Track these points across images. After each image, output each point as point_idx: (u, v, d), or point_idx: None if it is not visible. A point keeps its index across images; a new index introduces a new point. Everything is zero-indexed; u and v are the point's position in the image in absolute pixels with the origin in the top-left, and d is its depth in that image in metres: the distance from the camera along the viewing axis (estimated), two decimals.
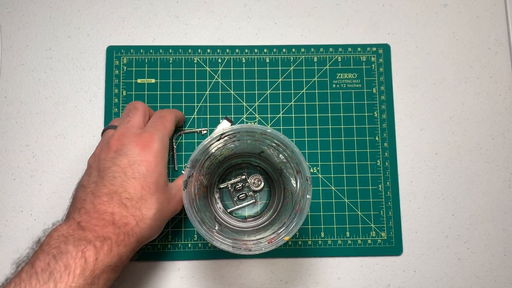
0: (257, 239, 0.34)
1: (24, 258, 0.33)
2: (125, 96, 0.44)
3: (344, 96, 0.45)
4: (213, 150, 0.35)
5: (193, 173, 0.33)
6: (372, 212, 0.43)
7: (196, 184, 0.35)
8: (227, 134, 0.32)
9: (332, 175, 0.44)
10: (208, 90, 0.45)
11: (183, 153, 0.44)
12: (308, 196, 0.31)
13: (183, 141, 0.44)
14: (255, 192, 0.42)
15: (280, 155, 0.35)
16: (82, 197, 0.33)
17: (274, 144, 0.34)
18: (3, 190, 0.43)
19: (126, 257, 0.31)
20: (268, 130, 0.32)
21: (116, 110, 0.44)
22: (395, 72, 0.46)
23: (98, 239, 0.30)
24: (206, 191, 0.40)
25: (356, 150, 0.44)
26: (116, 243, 0.30)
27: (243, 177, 0.42)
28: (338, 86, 0.45)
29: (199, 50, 0.45)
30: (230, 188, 0.42)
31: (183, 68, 0.45)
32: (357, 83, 0.45)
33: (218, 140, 0.32)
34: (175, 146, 0.43)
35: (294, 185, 0.35)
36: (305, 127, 0.44)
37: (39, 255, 0.29)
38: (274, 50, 0.46)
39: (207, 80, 0.45)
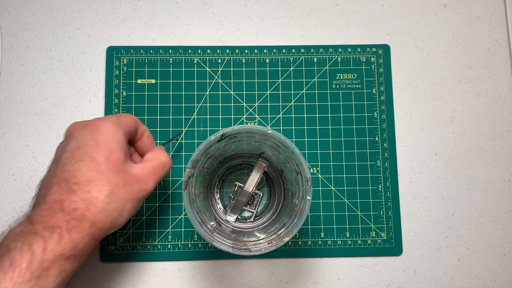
0: (257, 240, 0.34)
1: None
2: (125, 97, 0.44)
3: (344, 97, 0.45)
4: (213, 151, 0.35)
5: (193, 174, 0.33)
6: (372, 212, 0.43)
7: (196, 185, 0.35)
8: (228, 135, 0.32)
9: (332, 176, 0.44)
10: (208, 90, 0.45)
11: (183, 153, 0.44)
12: (308, 197, 0.31)
13: (183, 141, 0.44)
14: (256, 193, 0.42)
15: (281, 156, 0.35)
16: (38, 193, 0.32)
17: (274, 145, 0.34)
18: (3, 191, 0.43)
19: (83, 244, 0.30)
20: (269, 131, 0.31)
21: (116, 110, 0.44)
22: (394, 72, 0.46)
23: (46, 229, 0.28)
24: (207, 191, 0.40)
25: (356, 151, 0.44)
26: (67, 230, 0.29)
27: (237, 185, 0.41)
28: (337, 86, 0.45)
29: (199, 51, 0.45)
30: (230, 196, 0.41)
31: (183, 69, 0.45)
32: (357, 83, 0.45)
33: (219, 141, 0.32)
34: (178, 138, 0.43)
35: (294, 186, 0.35)
36: (305, 127, 0.44)
37: None
38: (274, 50, 0.46)
39: (207, 81, 0.45)
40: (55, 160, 0.33)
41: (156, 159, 0.35)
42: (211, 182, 0.41)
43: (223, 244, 0.31)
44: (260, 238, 0.34)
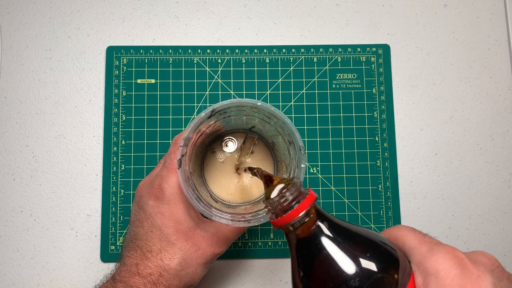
0: (254, 211, 0.34)
1: None
2: (125, 97, 0.44)
3: (344, 97, 0.45)
4: (204, 128, 0.34)
5: (186, 152, 0.32)
6: (372, 212, 0.43)
7: (189, 163, 0.34)
8: (218, 110, 0.32)
9: (332, 175, 0.44)
10: (208, 90, 0.45)
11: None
12: (302, 165, 0.31)
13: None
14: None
15: (271, 128, 0.35)
16: (120, 252, 0.35)
17: (265, 117, 0.34)
18: (3, 190, 0.43)
19: None
20: (258, 103, 0.31)
21: (116, 110, 0.44)
22: (394, 72, 0.46)
23: (126, 287, 0.31)
24: (200, 169, 0.40)
25: (356, 150, 0.44)
26: None
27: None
28: (337, 86, 0.45)
29: (199, 51, 0.45)
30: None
31: (183, 69, 0.45)
32: (357, 83, 0.45)
33: (209, 117, 0.32)
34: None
35: (288, 157, 0.35)
36: (305, 127, 0.44)
37: None
38: (274, 50, 0.46)
39: (207, 81, 0.45)
40: (131, 222, 0.35)
41: (219, 230, 0.35)
42: (204, 160, 0.41)
43: (222, 218, 0.31)
44: (258, 209, 0.34)
